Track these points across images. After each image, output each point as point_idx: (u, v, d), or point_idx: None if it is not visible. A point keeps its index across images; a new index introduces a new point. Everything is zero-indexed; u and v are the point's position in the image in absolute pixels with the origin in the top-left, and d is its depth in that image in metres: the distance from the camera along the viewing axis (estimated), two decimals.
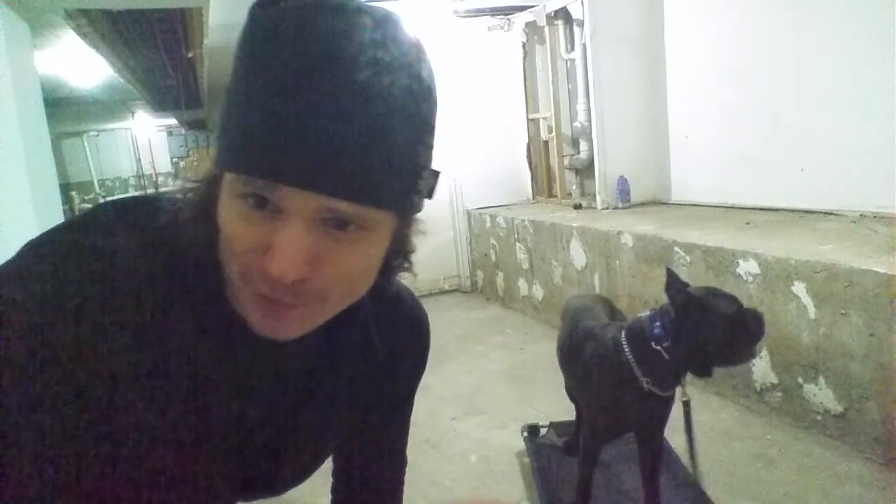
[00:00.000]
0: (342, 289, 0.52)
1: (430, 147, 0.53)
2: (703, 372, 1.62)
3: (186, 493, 0.57)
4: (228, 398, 0.58)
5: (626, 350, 1.64)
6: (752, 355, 1.64)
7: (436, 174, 0.53)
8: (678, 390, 1.71)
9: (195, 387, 0.55)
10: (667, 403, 1.72)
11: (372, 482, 0.84)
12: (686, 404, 1.74)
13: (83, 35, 4.77)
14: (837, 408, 2.33)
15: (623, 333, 1.68)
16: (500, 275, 4.90)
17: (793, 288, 2.43)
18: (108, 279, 0.51)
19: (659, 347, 1.59)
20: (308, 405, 0.65)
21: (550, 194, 5.10)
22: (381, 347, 0.69)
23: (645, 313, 1.69)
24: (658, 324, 1.61)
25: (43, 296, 0.49)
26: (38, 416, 0.47)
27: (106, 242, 0.53)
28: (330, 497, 0.86)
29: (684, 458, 2.22)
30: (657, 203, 4.29)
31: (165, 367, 0.53)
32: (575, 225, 3.86)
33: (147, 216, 0.57)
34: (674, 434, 1.94)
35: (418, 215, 0.56)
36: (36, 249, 0.53)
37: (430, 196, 0.54)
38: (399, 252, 0.57)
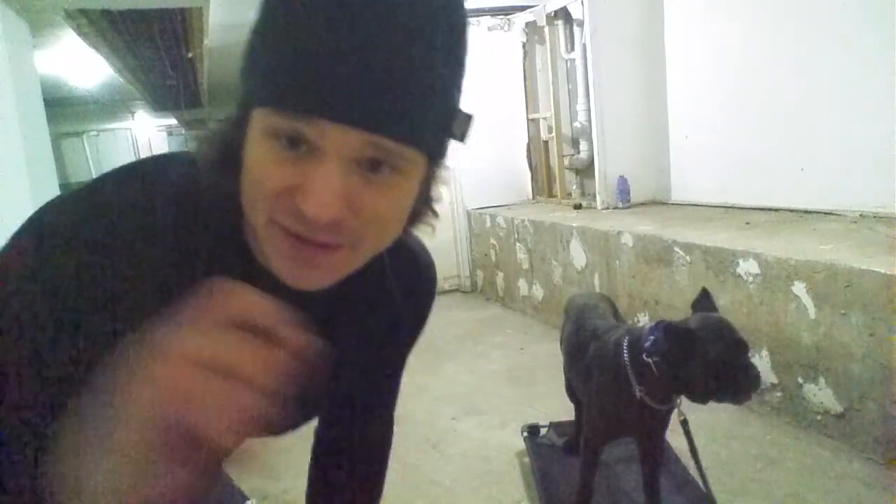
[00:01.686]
0: (374, 234, 0.51)
1: (461, 90, 0.51)
2: (696, 399, 1.55)
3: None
4: None
5: (625, 354, 1.64)
6: (739, 402, 1.53)
7: (469, 118, 0.51)
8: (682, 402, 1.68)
9: None
10: (662, 415, 1.70)
11: (361, 440, 0.84)
12: (684, 423, 1.68)
13: (83, 35, 4.77)
14: (837, 408, 2.33)
15: (626, 337, 1.68)
16: (500, 275, 4.90)
17: (793, 288, 2.43)
18: (121, 237, 0.51)
19: (650, 360, 1.57)
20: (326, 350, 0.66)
21: (550, 194, 5.10)
22: (395, 292, 0.68)
23: (649, 323, 1.67)
24: (652, 338, 1.57)
25: (57, 259, 0.49)
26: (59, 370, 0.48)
27: (120, 200, 0.52)
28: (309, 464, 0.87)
29: (684, 458, 2.22)
30: (657, 203, 4.29)
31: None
32: (575, 225, 3.86)
33: (161, 170, 0.56)
34: (674, 434, 1.94)
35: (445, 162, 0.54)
36: (49, 214, 0.52)
37: (463, 140, 0.52)
38: (424, 200, 0.55)
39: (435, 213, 0.58)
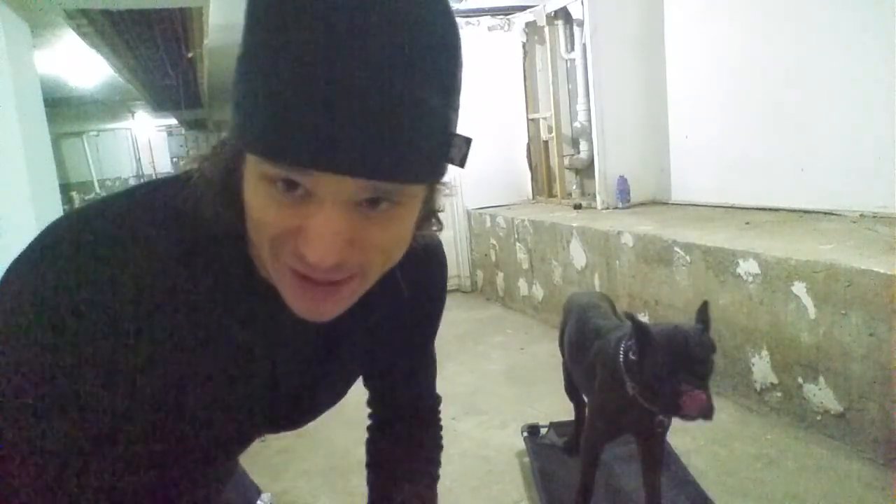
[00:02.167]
0: (380, 261, 0.52)
1: (458, 109, 0.50)
2: (653, 407, 1.57)
3: (214, 448, 0.62)
4: (261, 360, 0.60)
5: (622, 352, 1.65)
6: (674, 415, 1.49)
7: (468, 141, 0.50)
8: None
9: (229, 354, 0.57)
10: (656, 414, 1.70)
11: (406, 392, 0.88)
12: (660, 425, 1.68)
13: (83, 35, 4.77)
14: (837, 408, 2.33)
15: (626, 336, 1.69)
16: (500, 275, 4.90)
17: (793, 288, 2.43)
18: (130, 263, 0.51)
19: (634, 359, 1.59)
20: (336, 351, 0.68)
21: (550, 194, 5.10)
22: (406, 288, 0.69)
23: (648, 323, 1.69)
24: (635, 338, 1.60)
25: (64, 288, 0.49)
26: (76, 398, 0.50)
27: (124, 227, 0.53)
28: (367, 412, 0.91)
29: (685, 458, 2.22)
30: (657, 203, 4.29)
31: (198, 339, 0.54)
32: (575, 225, 3.86)
33: (160, 197, 0.56)
34: (674, 434, 1.94)
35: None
36: (52, 240, 0.52)
37: (462, 164, 0.51)
38: (428, 214, 0.56)
39: (439, 222, 0.59)
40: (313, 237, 0.46)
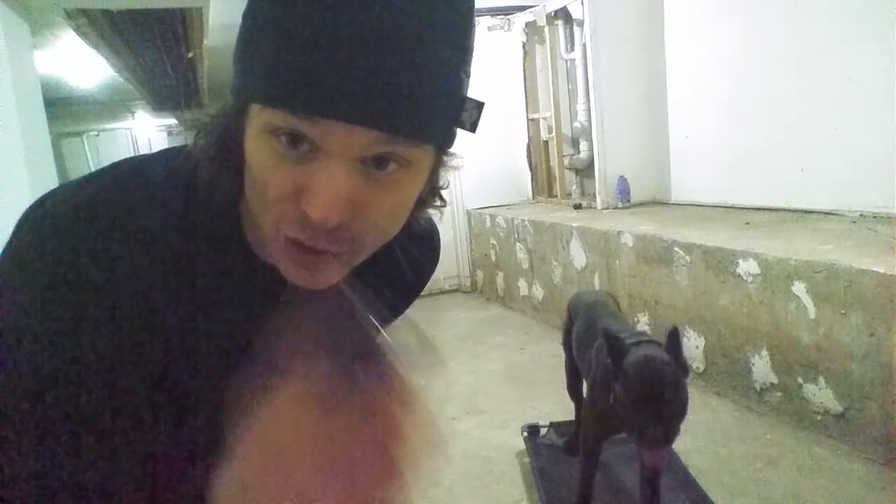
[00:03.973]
0: (378, 233, 0.50)
1: (469, 75, 0.48)
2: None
3: (212, 429, 0.57)
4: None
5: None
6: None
7: (479, 105, 0.48)
8: None
9: (224, 332, 0.54)
10: None
11: None
12: None
13: (83, 35, 4.77)
14: (837, 408, 2.32)
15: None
16: (500, 275, 4.90)
17: (793, 288, 2.43)
18: (123, 237, 0.49)
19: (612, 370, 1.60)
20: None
21: (550, 194, 5.10)
22: (406, 270, 0.67)
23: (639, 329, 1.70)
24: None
25: (57, 262, 0.47)
26: (74, 367, 0.48)
27: (115, 197, 0.51)
28: None
29: (685, 458, 2.22)
30: (657, 203, 4.29)
31: (188, 319, 0.52)
32: (575, 225, 3.86)
33: (154, 168, 0.54)
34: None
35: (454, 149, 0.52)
36: (45, 212, 0.50)
37: (473, 129, 0.48)
38: (432, 188, 0.54)
39: (442, 200, 0.57)
40: (318, 194, 0.43)
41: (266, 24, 0.43)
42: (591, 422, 1.83)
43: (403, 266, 0.66)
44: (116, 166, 0.55)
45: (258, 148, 0.45)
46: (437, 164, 0.51)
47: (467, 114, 0.47)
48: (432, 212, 0.59)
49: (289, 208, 0.45)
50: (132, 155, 0.57)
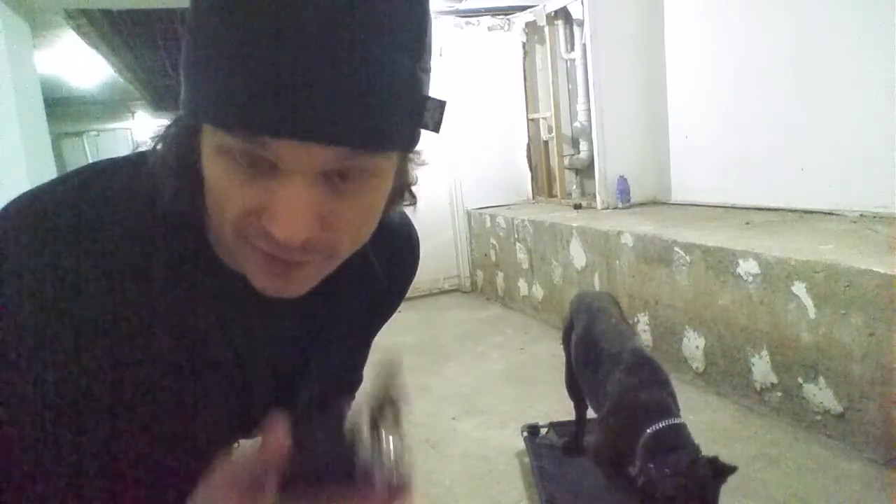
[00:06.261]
0: (349, 239, 0.48)
1: (429, 72, 0.46)
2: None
3: (186, 442, 0.56)
4: (228, 349, 0.55)
5: (644, 435, 1.66)
6: None
7: (441, 105, 0.46)
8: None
9: (192, 343, 0.52)
10: None
11: (346, 377, 0.80)
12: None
13: (83, 35, 4.77)
14: (837, 408, 2.32)
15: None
16: (500, 275, 4.90)
17: (793, 288, 2.43)
18: (80, 245, 0.48)
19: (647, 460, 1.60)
20: (313, 344, 0.62)
21: (550, 194, 5.10)
22: (382, 275, 0.65)
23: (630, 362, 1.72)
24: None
25: (10, 271, 0.46)
26: (38, 382, 0.47)
27: (76, 204, 0.49)
28: None
29: None
30: (657, 203, 4.29)
31: (157, 328, 0.50)
32: (575, 225, 3.86)
33: (110, 178, 0.52)
34: None
35: (417, 147, 0.50)
36: (5, 216, 0.49)
37: (436, 130, 0.46)
38: (400, 187, 0.52)
39: (412, 195, 0.55)
40: (280, 214, 0.42)
41: (211, 43, 0.41)
42: (602, 451, 1.81)
43: (377, 268, 0.65)
44: (80, 172, 0.53)
45: (214, 167, 0.44)
46: (403, 165, 0.50)
47: (430, 113, 0.45)
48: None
49: (253, 222, 0.44)
50: (100, 159, 0.56)
